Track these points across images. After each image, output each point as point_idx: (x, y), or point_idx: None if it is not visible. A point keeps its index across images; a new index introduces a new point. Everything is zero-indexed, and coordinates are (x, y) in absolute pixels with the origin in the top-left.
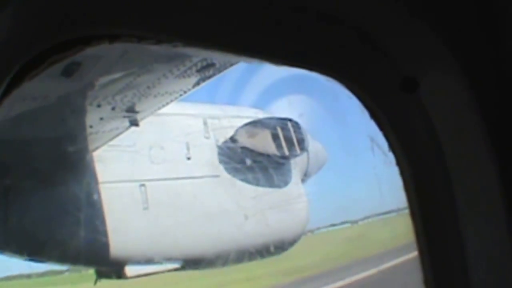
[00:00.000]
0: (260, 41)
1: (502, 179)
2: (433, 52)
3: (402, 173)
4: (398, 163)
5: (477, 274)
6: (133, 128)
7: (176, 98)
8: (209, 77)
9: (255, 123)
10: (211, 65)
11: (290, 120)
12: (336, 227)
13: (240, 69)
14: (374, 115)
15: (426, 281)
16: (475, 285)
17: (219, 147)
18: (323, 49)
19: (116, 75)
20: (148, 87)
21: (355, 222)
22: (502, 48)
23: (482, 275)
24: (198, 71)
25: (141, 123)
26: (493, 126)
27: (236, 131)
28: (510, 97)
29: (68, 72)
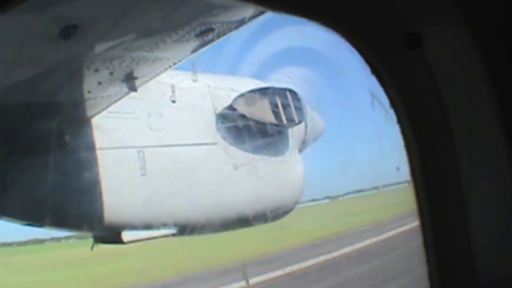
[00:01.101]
0: None
1: (508, 138)
2: (438, 5)
3: (404, 131)
4: (400, 120)
5: (479, 234)
6: (133, 95)
7: (174, 63)
8: (208, 42)
9: (253, 92)
10: (210, 30)
11: (289, 90)
12: (316, 202)
13: (240, 40)
14: (375, 71)
15: (425, 243)
16: (477, 246)
17: (218, 115)
18: None
19: (114, 39)
20: (146, 52)
21: (335, 198)
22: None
23: (484, 236)
24: (196, 36)
25: (140, 90)
26: (500, 83)
27: (235, 99)
28: (508, 45)
29: (65, 35)
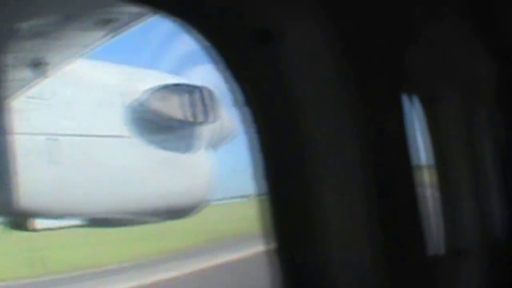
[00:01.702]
0: None
1: (360, 141)
2: (291, 1)
3: (257, 131)
4: (254, 120)
5: (329, 239)
6: (51, 82)
7: (83, 51)
8: (111, 32)
9: (167, 87)
10: (110, 20)
11: (205, 88)
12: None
13: (162, 33)
14: (228, 68)
15: (273, 251)
16: (327, 252)
17: (129, 109)
18: None
19: (23, 21)
20: (51, 38)
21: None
22: None
23: (335, 240)
24: (97, 25)
25: (57, 78)
26: (353, 79)
27: (148, 94)
28: (378, 47)
29: None
